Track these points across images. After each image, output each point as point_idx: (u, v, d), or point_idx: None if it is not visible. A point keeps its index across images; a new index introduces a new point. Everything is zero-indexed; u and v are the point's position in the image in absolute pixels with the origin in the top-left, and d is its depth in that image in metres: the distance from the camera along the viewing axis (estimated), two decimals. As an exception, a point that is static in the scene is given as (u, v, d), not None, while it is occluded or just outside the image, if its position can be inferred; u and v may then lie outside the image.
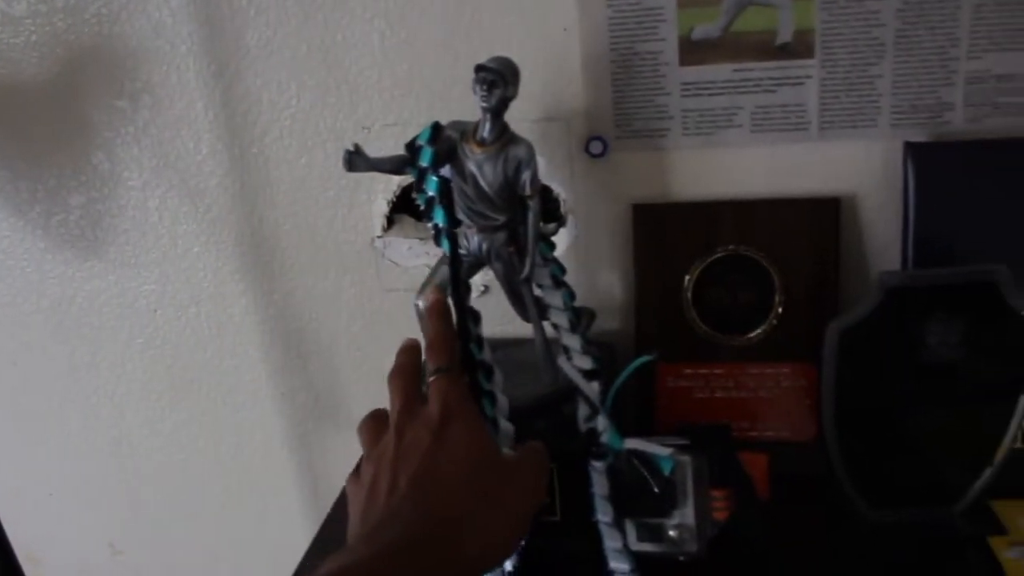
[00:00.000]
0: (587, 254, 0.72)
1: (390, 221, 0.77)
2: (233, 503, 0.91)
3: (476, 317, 0.57)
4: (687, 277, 0.67)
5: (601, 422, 0.58)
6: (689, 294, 0.67)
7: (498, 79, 0.58)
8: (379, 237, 0.77)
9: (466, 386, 0.47)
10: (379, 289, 0.79)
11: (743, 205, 0.67)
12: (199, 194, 0.78)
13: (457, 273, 0.59)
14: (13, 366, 0.89)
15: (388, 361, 0.50)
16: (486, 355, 0.56)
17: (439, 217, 0.59)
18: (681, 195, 0.69)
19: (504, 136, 0.59)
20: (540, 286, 0.63)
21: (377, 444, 0.46)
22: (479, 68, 0.58)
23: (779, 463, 0.64)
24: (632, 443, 0.58)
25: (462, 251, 0.63)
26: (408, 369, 0.49)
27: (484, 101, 0.58)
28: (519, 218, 0.61)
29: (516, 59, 0.58)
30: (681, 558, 0.61)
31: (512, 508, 0.43)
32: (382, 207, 0.77)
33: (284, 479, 0.89)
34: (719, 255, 0.67)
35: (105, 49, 0.75)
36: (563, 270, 0.64)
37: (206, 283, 0.82)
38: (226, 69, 0.73)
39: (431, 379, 0.47)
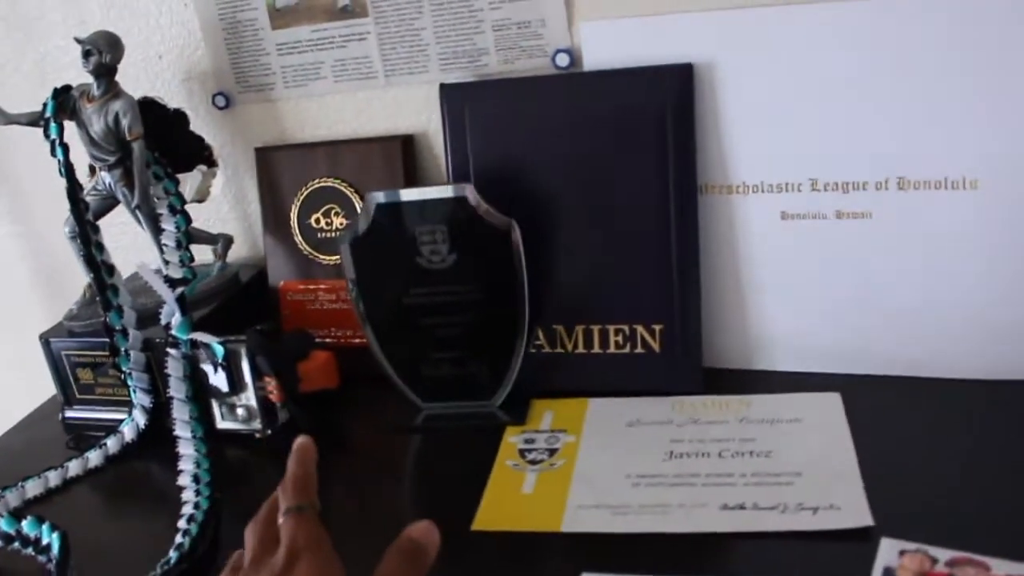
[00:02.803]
0: (235, 191, 0.86)
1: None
2: None
3: (100, 246, 0.73)
4: (293, 207, 0.80)
5: (174, 316, 0.72)
6: (294, 222, 0.80)
7: (93, 48, 0.72)
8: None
9: (318, 523, 0.46)
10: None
11: (334, 144, 0.80)
12: None
13: (75, 195, 0.73)
14: None
15: None
16: (115, 279, 0.72)
17: (58, 153, 0.73)
18: (291, 139, 0.82)
19: (109, 92, 0.74)
20: (160, 213, 0.77)
21: None
22: (78, 40, 0.73)
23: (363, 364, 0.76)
24: (197, 335, 0.72)
25: (100, 188, 0.78)
26: (263, 518, 0.48)
27: (85, 66, 0.73)
28: (130, 158, 0.75)
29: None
30: (256, 435, 0.74)
31: None
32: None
33: None
34: (315, 187, 0.79)
35: None
36: (182, 200, 0.77)
37: None
38: None
39: (280, 520, 0.46)
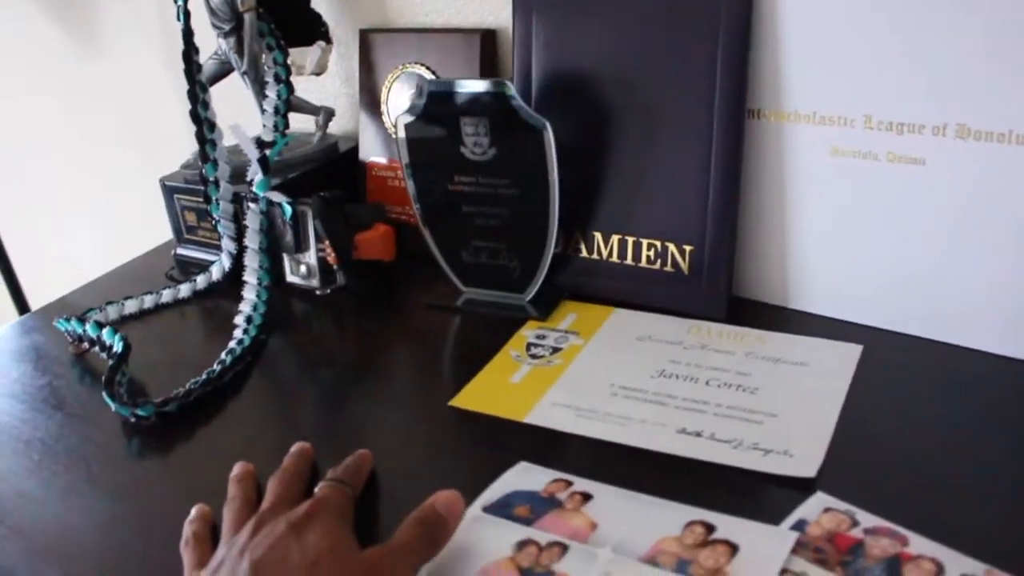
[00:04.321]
0: (345, 69, 0.91)
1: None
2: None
3: (206, 104, 0.81)
4: (384, 88, 0.84)
5: (257, 174, 0.80)
6: (384, 103, 0.85)
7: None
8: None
9: (350, 502, 0.48)
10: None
11: (425, 32, 0.83)
12: None
13: (189, 56, 0.82)
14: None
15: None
16: (215, 135, 0.81)
17: (180, 19, 0.82)
18: (391, 23, 0.86)
19: (230, -38, 0.81)
20: (267, 81, 0.85)
21: (237, 531, 0.47)
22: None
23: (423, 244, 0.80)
24: (272, 194, 0.79)
25: (219, 53, 0.86)
26: (291, 472, 0.52)
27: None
28: (243, 28, 0.83)
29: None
30: (316, 291, 0.82)
31: None
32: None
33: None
34: (403, 72, 0.83)
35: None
36: (287, 71, 0.84)
37: None
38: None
39: (322, 484, 0.49)
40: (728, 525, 0.48)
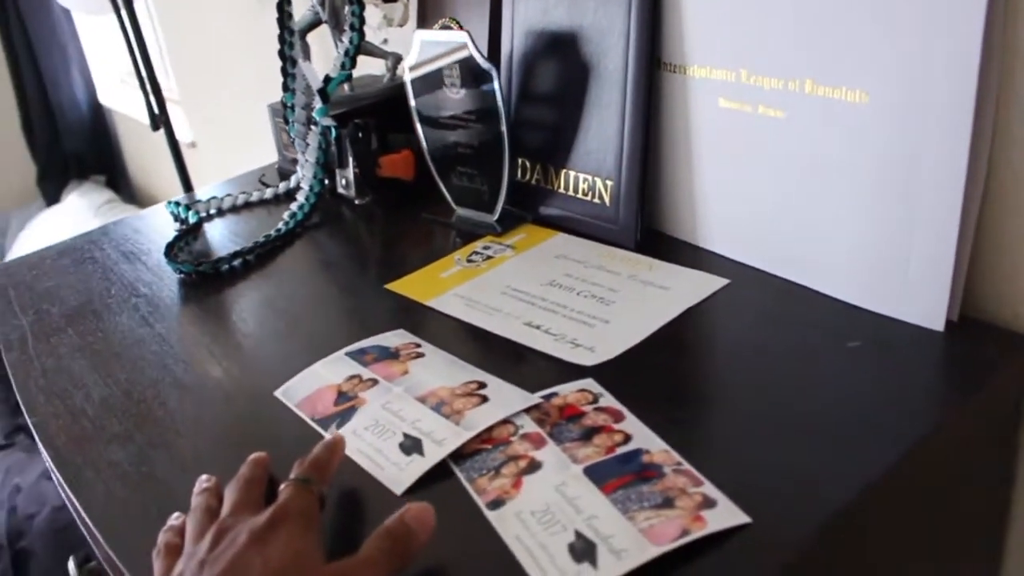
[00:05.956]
0: (416, 17, 1.08)
1: None
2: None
3: (292, 45, 1.03)
4: (426, 36, 1.00)
5: (317, 103, 1.00)
6: (425, 48, 1.01)
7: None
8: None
9: (315, 502, 0.46)
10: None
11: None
12: None
13: (281, 6, 1.03)
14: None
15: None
16: (296, 70, 1.02)
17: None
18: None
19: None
20: (344, 29, 1.04)
21: (199, 541, 0.45)
22: None
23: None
24: (325, 120, 0.99)
25: (313, 6, 1.07)
26: (247, 477, 0.50)
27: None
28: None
29: None
30: (356, 201, 1.01)
31: None
32: None
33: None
34: (441, 24, 0.98)
35: None
36: (361, 21, 1.03)
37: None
38: None
39: (286, 483, 0.47)
40: (497, 387, 0.61)
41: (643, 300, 0.71)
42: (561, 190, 0.85)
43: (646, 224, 0.79)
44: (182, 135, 2.18)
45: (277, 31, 1.04)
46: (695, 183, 0.76)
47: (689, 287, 0.71)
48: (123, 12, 1.80)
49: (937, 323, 0.60)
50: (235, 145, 1.97)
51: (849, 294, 0.66)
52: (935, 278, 0.59)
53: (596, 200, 0.81)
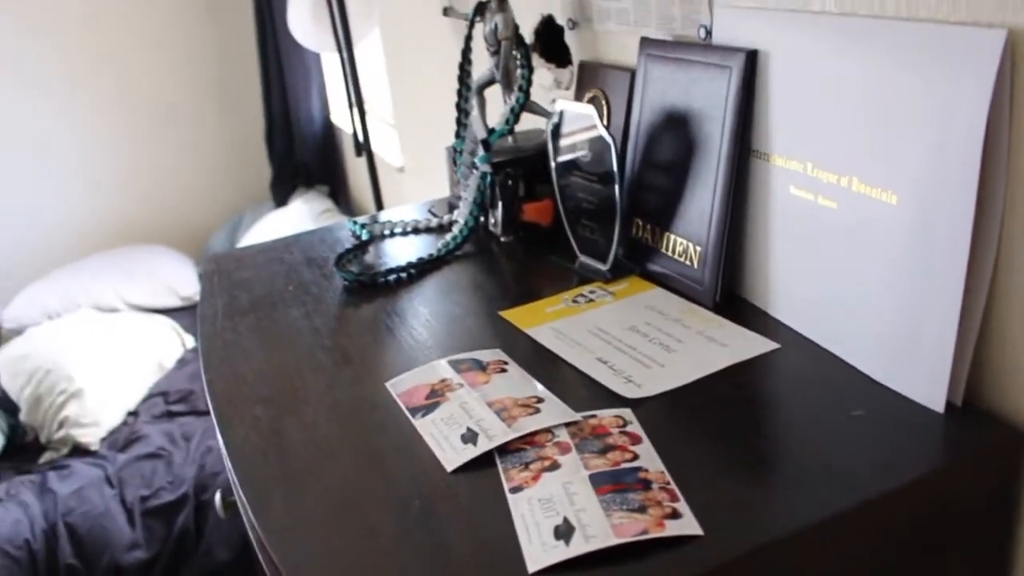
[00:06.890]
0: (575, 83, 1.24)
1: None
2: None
3: (468, 98, 1.23)
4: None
5: (480, 151, 1.18)
6: (576, 113, 1.16)
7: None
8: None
9: None
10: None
11: (606, 66, 1.11)
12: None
13: (463, 66, 1.23)
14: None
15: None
16: (468, 121, 1.22)
17: (463, 42, 1.23)
18: (600, 58, 1.15)
19: (500, 7, 1.20)
20: (513, 90, 1.22)
21: None
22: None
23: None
24: (483, 166, 1.17)
25: (491, 68, 1.26)
26: None
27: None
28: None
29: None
30: (502, 238, 1.18)
31: None
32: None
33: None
34: (591, 95, 1.13)
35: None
36: (528, 83, 1.21)
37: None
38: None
39: None
40: (550, 402, 0.75)
41: (701, 352, 0.82)
42: (663, 250, 0.97)
43: (727, 288, 0.90)
44: (393, 159, 2.47)
45: (456, 86, 1.23)
46: (768, 256, 0.86)
47: (743, 346, 0.81)
48: (343, 53, 2.10)
49: (937, 404, 0.67)
50: (431, 178, 2.22)
51: (872, 369, 0.73)
52: (937, 361, 0.66)
53: (688, 262, 0.93)
